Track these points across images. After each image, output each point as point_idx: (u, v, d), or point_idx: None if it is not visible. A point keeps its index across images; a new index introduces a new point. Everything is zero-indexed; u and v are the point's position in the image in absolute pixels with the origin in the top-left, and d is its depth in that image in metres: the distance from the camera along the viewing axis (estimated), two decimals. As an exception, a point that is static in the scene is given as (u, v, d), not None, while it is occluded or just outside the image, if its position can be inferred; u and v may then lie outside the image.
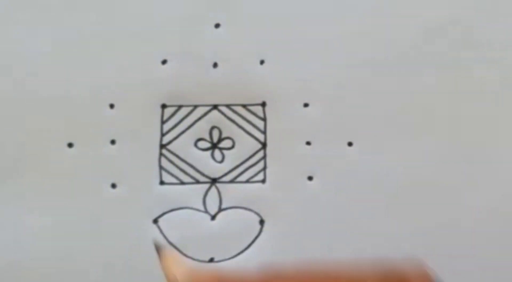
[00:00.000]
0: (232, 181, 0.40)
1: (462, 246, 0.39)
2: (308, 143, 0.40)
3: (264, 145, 0.40)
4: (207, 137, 0.40)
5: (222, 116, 0.40)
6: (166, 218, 0.39)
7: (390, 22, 0.40)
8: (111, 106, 0.39)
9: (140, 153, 0.39)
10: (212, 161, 0.40)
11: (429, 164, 0.40)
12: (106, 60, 0.39)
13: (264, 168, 0.40)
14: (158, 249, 0.37)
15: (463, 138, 0.40)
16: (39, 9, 0.38)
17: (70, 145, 0.39)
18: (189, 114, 0.40)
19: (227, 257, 0.39)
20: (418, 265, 0.31)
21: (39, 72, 0.38)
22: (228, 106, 0.40)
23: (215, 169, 0.40)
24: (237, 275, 0.33)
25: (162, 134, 0.39)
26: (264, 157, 0.40)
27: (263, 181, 0.40)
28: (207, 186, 0.40)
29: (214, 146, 0.40)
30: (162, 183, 0.39)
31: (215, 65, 0.39)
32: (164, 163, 0.39)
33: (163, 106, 0.39)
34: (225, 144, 0.40)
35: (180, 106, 0.39)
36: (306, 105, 0.40)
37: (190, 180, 0.40)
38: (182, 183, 0.40)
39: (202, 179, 0.40)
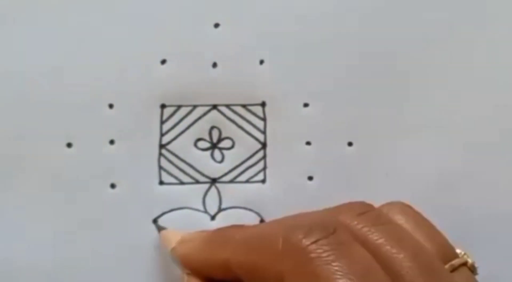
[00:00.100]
0: (232, 181, 0.40)
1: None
2: (308, 143, 0.40)
3: (264, 145, 0.40)
4: (206, 137, 0.40)
5: (222, 116, 0.40)
6: (166, 218, 0.39)
7: (390, 22, 0.40)
8: (110, 106, 0.39)
9: (139, 153, 0.39)
10: (211, 161, 0.40)
11: (429, 164, 0.40)
12: (105, 60, 0.39)
13: (264, 168, 0.40)
14: (159, 229, 0.38)
15: (464, 138, 0.40)
16: (39, 9, 0.38)
17: (69, 145, 0.39)
18: (189, 114, 0.39)
19: (227, 257, 0.39)
20: None
21: (38, 72, 0.38)
22: (227, 106, 0.40)
23: (215, 169, 0.40)
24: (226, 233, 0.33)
25: (162, 134, 0.39)
26: (264, 157, 0.40)
27: (263, 181, 0.40)
28: (206, 186, 0.40)
29: (213, 146, 0.40)
30: (161, 183, 0.39)
31: (214, 65, 0.39)
32: (164, 163, 0.39)
33: (163, 106, 0.39)
34: (225, 144, 0.40)
35: (179, 106, 0.39)
36: (306, 105, 0.40)
37: (190, 180, 0.40)
38: (181, 183, 0.39)
39: (201, 179, 0.40)
